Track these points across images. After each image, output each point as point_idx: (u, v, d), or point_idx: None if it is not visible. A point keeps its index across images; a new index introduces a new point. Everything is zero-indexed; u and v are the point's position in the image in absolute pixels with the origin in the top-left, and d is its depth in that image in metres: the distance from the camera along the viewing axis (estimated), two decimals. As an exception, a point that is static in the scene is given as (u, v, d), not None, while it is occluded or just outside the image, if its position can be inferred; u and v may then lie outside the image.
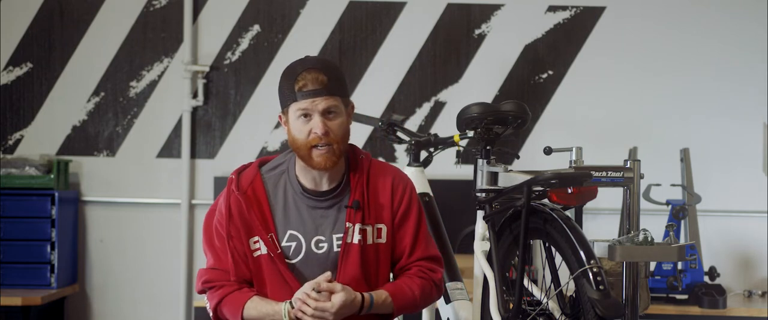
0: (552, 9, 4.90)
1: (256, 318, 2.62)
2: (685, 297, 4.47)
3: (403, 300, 2.66)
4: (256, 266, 2.65)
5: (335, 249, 2.66)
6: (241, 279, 2.66)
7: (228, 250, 2.65)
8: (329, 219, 2.67)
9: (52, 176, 4.65)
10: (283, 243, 2.65)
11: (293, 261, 2.65)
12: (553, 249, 2.69)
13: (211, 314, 2.69)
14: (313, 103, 2.58)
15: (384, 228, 2.69)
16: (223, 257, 2.66)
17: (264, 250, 2.64)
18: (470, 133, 3.08)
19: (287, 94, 2.61)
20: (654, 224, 3.61)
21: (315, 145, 2.59)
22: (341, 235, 2.65)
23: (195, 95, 4.92)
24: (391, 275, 2.76)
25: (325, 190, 2.68)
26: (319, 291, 2.55)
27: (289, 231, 2.66)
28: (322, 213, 2.67)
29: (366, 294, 2.62)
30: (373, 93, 4.88)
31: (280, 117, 2.68)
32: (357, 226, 2.65)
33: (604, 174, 2.92)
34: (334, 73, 2.63)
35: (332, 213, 2.67)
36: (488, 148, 2.97)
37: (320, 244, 2.67)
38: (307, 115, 2.59)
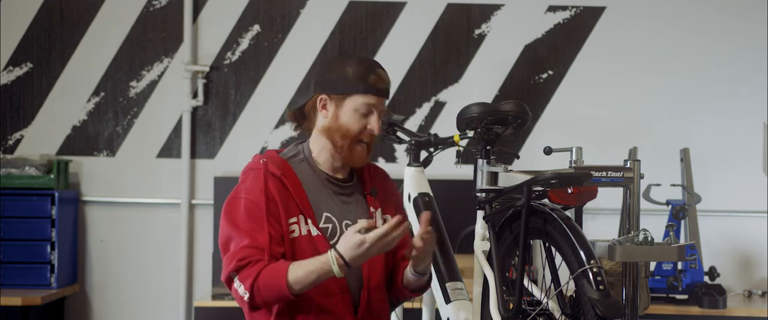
0: (552, 9, 4.90)
1: (302, 278, 2.53)
2: (685, 297, 4.47)
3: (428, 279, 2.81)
4: (291, 248, 2.63)
5: None
6: (275, 257, 2.59)
7: (266, 228, 2.59)
8: (352, 205, 2.75)
9: (52, 176, 4.64)
10: (321, 225, 2.68)
11: (330, 243, 2.67)
12: (553, 249, 2.69)
13: (246, 297, 2.55)
14: (379, 102, 2.68)
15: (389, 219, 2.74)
16: (257, 236, 2.59)
17: (303, 231, 2.64)
18: (470, 133, 3.07)
19: (353, 82, 2.65)
20: (654, 224, 3.60)
21: (362, 140, 2.68)
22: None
23: (195, 95, 4.92)
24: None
25: (343, 178, 2.77)
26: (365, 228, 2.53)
27: (325, 214, 2.70)
28: (344, 199, 2.75)
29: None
30: (373, 93, 4.88)
31: (322, 99, 2.69)
32: (379, 211, 2.76)
33: (604, 174, 2.92)
34: None
35: (353, 200, 2.76)
36: (488, 148, 2.97)
37: (349, 227, 2.68)
38: (368, 112, 2.66)
